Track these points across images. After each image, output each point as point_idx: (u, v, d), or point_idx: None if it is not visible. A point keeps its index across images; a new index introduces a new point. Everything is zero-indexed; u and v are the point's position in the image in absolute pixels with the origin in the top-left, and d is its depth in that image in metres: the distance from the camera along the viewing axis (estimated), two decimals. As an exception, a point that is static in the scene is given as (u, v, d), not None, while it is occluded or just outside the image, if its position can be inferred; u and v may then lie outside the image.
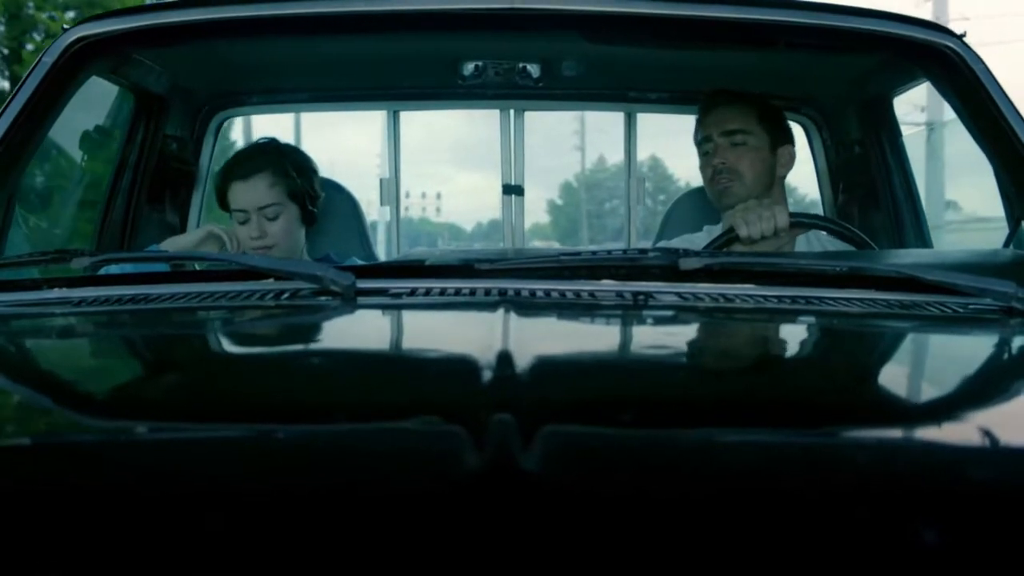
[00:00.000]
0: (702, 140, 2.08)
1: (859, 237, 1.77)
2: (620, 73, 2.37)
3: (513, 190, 2.45)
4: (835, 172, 2.52)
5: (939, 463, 0.68)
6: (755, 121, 2.07)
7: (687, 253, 1.29)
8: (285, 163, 2.07)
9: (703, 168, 2.09)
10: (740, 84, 2.12)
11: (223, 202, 2.09)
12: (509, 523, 0.54)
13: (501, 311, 1.07)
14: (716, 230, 1.99)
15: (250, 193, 2.04)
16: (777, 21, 1.68)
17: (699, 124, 2.11)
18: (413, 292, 1.21)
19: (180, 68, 2.24)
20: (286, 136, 2.31)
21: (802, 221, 1.78)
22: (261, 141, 2.18)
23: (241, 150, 2.17)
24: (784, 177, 2.10)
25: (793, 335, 1.20)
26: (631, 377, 0.89)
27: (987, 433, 0.75)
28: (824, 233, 1.96)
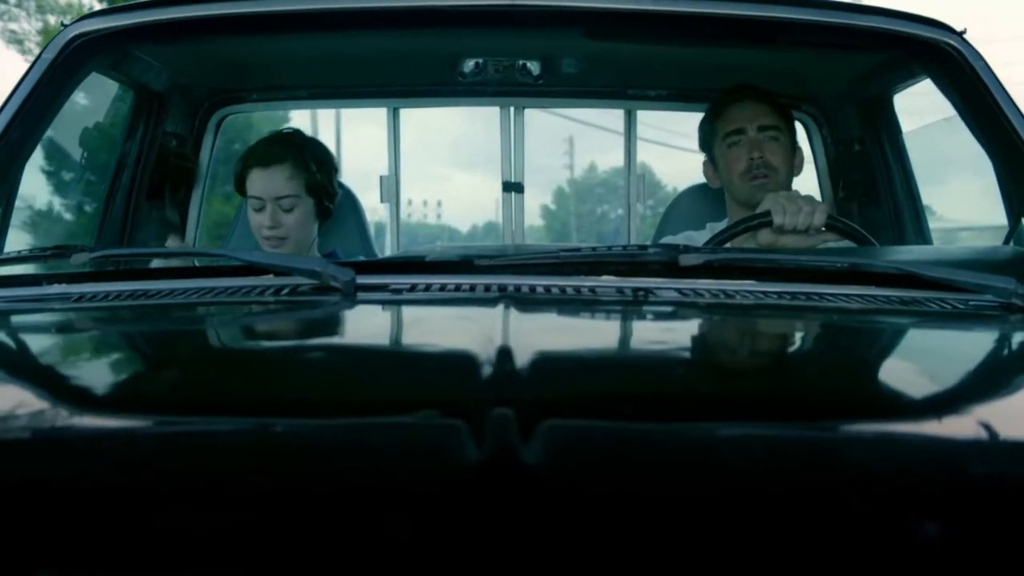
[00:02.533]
0: (730, 133, 2.05)
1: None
2: (620, 70, 2.37)
3: (513, 187, 2.45)
4: (835, 169, 2.52)
5: (940, 458, 0.68)
6: (781, 119, 2.07)
7: (687, 249, 1.29)
8: (306, 156, 2.07)
9: (731, 161, 2.05)
10: (740, 81, 2.12)
11: (240, 187, 2.09)
12: (509, 518, 0.54)
13: (501, 307, 1.07)
14: (720, 226, 1.98)
15: (268, 181, 2.03)
16: (778, 18, 1.68)
17: (720, 117, 2.08)
18: (413, 288, 1.21)
19: (180, 65, 2.24)
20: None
21: (837, 226, 1.71)
22: (286, 131, 2.16)
23: (264, 137, 2.15)
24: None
25: (793, 331, 1.20)
26: (630, 372, 0.89)
27: (988, 428, 0.75)
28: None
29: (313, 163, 2.07)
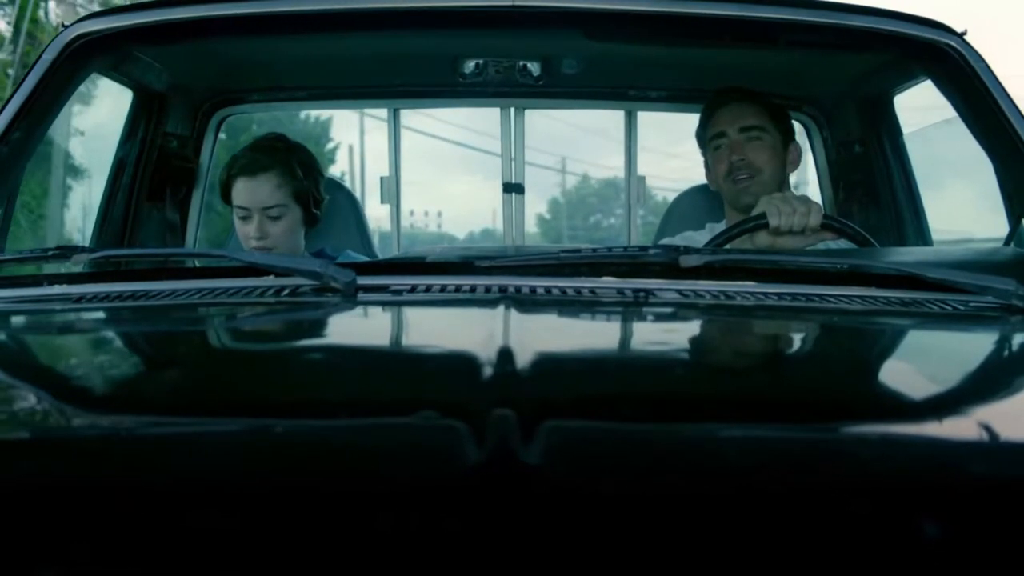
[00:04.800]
0: (714, 136, 2.07)
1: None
2: (621, 71, 2.37)
3: (513, 188, 2.46)
4: (836, 171, 2.52)
5: (941, 459, 0.68)
6: (767, 118, 2.08)
7: (688, 250, 1.29)
8: (293, 163, 2.05)
9: (715, 164, 2.07)
10: (741, 82, 2.12)
11: (226, 196, 2.07)
12: (509, 519, 0.54)
13: (501, 308, 1.07)
14: (719, 227, 1.99)
15: (255, 192, 2.02)
16: (778, 19, 1.68)
17: (709, 121, 2.10)
18: (414, 289, 1.21)
19: (181, 65, 2.24)
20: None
21: (832, 225, 1.72)
22: (270, 137, 2.15)
23: (249, 145, 2.14)
24: (790, 175, 2.10)
25: (794, 332, 1.20)
26: (631, 373, 0.89)
27: (988, 429, 0.75)
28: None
29: (300, 170, 2.05)
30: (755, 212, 1.72)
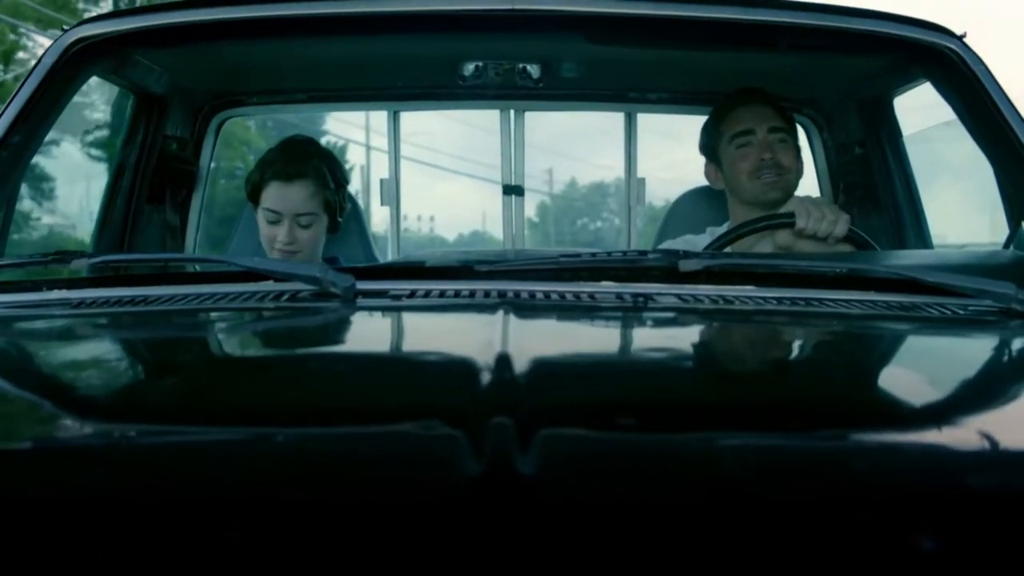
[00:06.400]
0: (740, 133, 2.06)
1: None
2: (620, 74, 2.37)
3: (513, 191, 2.46)
4: (835, 173, 2.52)
5: (939, 466, 0.68)
6: (788, 123, 2.09)
7: (687, 255, 1.29)
8: (325, 171, 2.06)
9: (738, 161, 2.06)
10: (741, 85, 2.12)
11: (255, 197, 2.07)
12: (507, 528, 0.54)
13: (501, 313, 1.07)
14: (720, 231, 1.98)
15: (290, 198, 2.02)
16: (778, 22, 1.68)
17: (728, 118, 2.09)
18: (413, 294, 1.21)
19: (180, 68, 2.24)
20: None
21: (855, 239, 1.70)
22: (301, 140, 2.15)
23: (283, 147, 2.12)
24: None
25: (793, 337, 1.20)
26: (631, 380, 0.89)
27: (987, 436, 0.75)
28: None
29: (331, 179, 2.06)
30: (784, 210, 1.71)
